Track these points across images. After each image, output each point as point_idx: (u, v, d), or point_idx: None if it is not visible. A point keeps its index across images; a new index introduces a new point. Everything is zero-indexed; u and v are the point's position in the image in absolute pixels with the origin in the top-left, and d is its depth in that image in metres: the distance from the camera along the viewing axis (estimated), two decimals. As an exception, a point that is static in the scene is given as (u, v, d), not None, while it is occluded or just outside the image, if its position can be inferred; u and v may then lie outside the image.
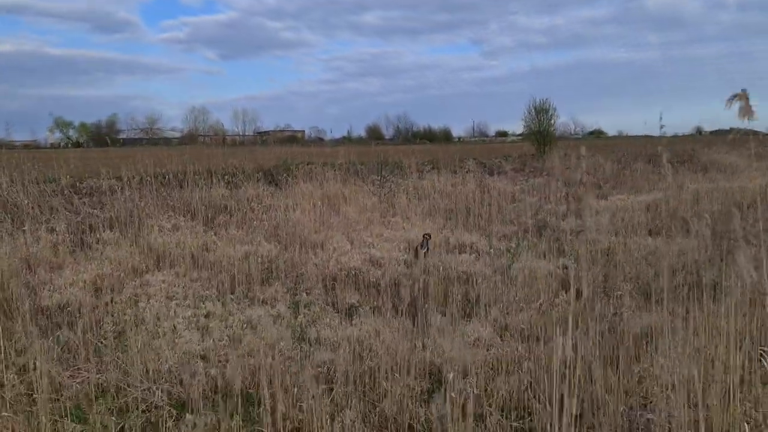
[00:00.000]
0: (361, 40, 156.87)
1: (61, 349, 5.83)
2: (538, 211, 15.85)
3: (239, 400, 4.04)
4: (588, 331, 5.55)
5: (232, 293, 8.00)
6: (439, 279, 7.90)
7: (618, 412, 3.54)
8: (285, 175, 17.42)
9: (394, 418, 3.98)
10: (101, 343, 6.08)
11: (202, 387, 4.59)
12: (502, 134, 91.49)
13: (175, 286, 8.35)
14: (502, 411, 4.12)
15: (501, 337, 5.81)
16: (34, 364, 5.32)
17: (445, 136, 73.40)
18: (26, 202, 11.92)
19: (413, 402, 4.28)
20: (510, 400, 4.30)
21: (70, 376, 5.21)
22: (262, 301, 7.69)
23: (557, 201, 17.72)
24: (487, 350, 5.31)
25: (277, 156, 21.22)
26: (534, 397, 4.23)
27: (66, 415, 4.36)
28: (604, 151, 31.04)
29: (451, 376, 3.90)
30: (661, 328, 5.66)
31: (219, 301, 7.74)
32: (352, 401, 3.89)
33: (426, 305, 6.76)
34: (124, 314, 7.10)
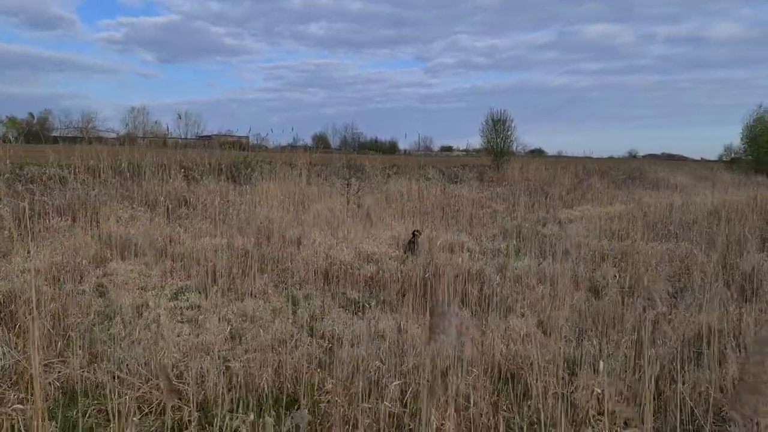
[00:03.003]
0: (305, 50, 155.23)
1: (24, 340, 4.81)
2: (511, 218, 15.44)
3: (282, 400, 3.21)
4: (643, 331, 4.96)
5: (213, 285, 7.08)
6: (447, 275, 7.21)
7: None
8: (248, 170, 16.46)
9: (480, 422, 3.24)
10: (72, 335, 5.07)
11: (221, 386, 3.71)
12: (447, 149, 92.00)
13: (146, 276, 7.36)
14: (601, 414, 3.43)
15: (546, 334, 5.15)
16: (-5, 356, 4.34)
17: (392, 148, 72.98)
18: (-40, 185, 10.60)
19: (491, 402, 3.55)
20: (603, 402, 3.61)
21: (43, 371, 4.22)
22: (252, 294, 6.80)
23: (526, 209, 17.46)
24: (539, 347, 4.61)
25: (233, 157, 20.20)
26: (632, 403, 3.57)
27: (47, 418, 3.40)
28: (555, 167, 31.25)
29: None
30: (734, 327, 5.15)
31: (200, 293, 6.81)
32: (424, 401, 3.12)
33: (443, 301, 6.04)
34: (93, 304, 6.10)
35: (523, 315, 5.67)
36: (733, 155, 46.54)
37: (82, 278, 7.08)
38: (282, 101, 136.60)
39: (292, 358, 4.16)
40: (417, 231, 9.62)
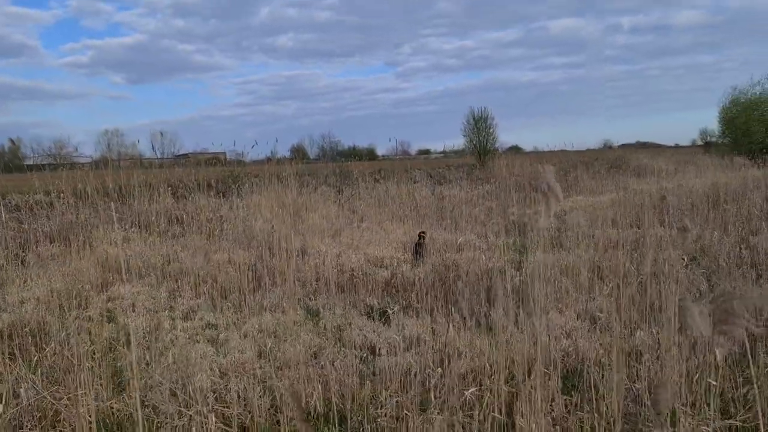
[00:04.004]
0: (275, 63, 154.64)
1: (41, 374, 4.49)
2: (506, 214, 15.29)
3: (331, 417, 2.96)
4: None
5: (224, 302, 6.79)
6: (467, 275, 7.01)
7: None
8: (236, 185, 16.16)
9: (560, 423, 3.02)
10: (88, 363, 4.76)
11: (265, 406, 3.44)
12: (425, 152, 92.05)
13: (153, 298, 7.04)
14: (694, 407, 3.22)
15: (591, 330, 4.95)
16: (14, 391, 4.03)
17: (370, 155, 72.76)
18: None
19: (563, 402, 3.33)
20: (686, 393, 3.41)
21: (66, 406, 3.92)
22: (267, 309, 6.52)
23: (519, 204, 17.32)
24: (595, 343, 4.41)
25: (216, 174, 19.86)
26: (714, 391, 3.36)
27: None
28: (539, 162, 31.26)
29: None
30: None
31: (213, 312, 6.52)
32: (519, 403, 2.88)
33: (469, 300, 5.82)
34: (103, 330, 5.78)
35: (559, 309, 5.47)
36: (709, 139, 46.94)
37: (87, 304, 6.75)
38: (256, 115, 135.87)
39: (335, 372, 3.91)
40: (423, 232, 9.39)
